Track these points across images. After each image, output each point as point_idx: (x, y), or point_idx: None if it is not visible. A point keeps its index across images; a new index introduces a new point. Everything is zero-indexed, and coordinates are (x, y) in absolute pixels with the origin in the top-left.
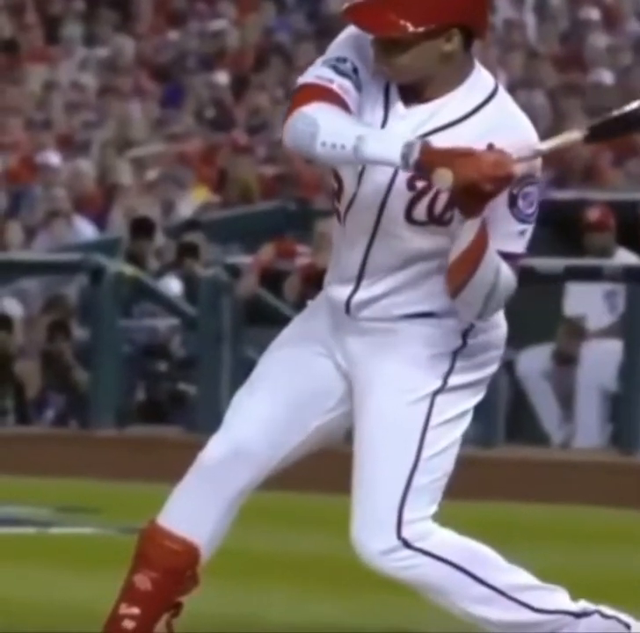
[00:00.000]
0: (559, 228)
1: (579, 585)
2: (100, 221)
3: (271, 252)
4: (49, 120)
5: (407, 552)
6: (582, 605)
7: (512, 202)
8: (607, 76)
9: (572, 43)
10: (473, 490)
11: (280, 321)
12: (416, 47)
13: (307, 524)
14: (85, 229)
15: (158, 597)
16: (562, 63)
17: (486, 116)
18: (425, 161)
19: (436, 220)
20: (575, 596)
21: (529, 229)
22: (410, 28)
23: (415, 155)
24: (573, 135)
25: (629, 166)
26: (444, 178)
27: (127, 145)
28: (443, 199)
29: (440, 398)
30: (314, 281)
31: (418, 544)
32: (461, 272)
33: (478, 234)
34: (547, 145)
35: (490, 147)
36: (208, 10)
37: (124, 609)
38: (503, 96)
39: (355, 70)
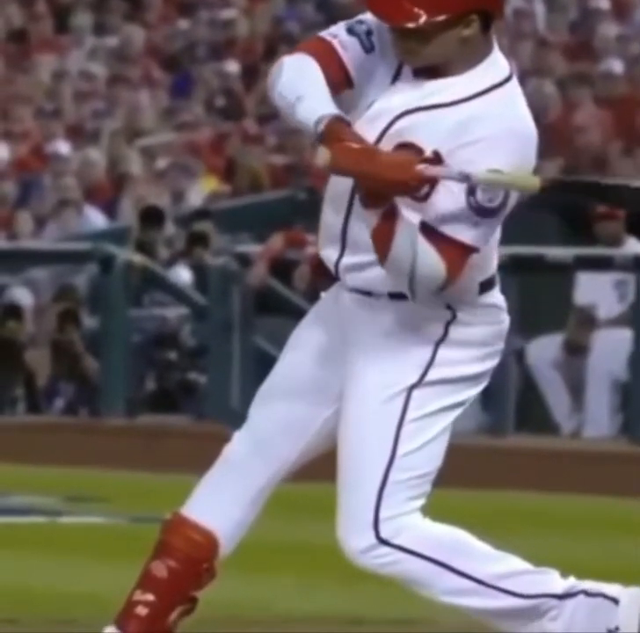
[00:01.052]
0: (569, 217)
1: (588, 574)
2: (110, 210)
3: (280, 242)
4: (59, 109)
5: (385, 549)
6: (568, 584)
7: (471, 191)
8: (616, 65)
9: (582, 32)
10: (483, 478)
11: (290, 310)
12: (434, 35)
13: (316, 513)
14: (95, 219)
15: (174, 586)
16: (571, 52)
17: (484, 103)
18: (324, 135)
19: (417, 197)
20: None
21: (485, 225)
22: (427, 18)
23: (321, 127)
24: (529, 182)
25: (639, 155)
26: (322, 156)
27: (136, 134)
28: None
29: (417, 393)
30: (323, 271)
31: (395, 541)
32: (377, 251)
33: (380, 223)
34: (485, 176)
35: (409, 147)
36: (218, 0)
37: (138, 596)
38: (511, 87)
39: (369, 33)
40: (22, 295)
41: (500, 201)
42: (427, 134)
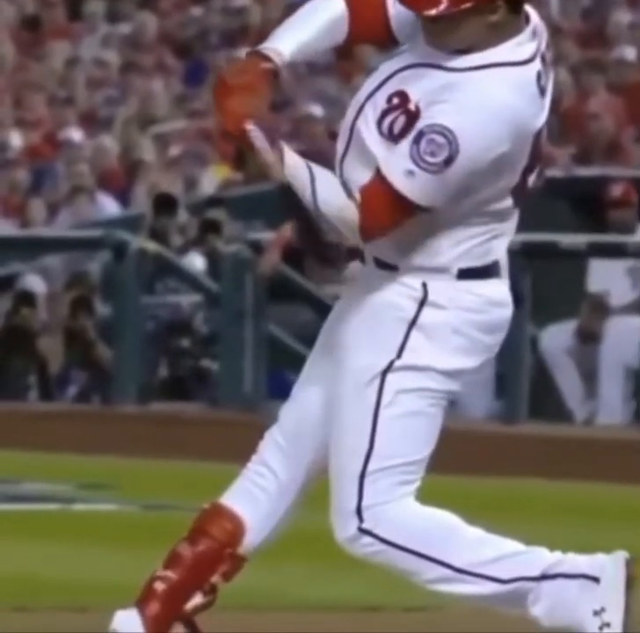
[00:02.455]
0: (582, 204)
1: None
2: (123, 197)
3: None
4: (72, 96)
5: (368, 539)
6: (547, 564)
7: (417, 139)
8: (629, 53)
9: (595, 19)
10: (495, 466)
11: (302, 297)
12: (460, 22)
13: (328, 500)
14: (108, 206)
15: (194, 566)
16: (585, 39)
17: (475, 75)
18: (246, 55)
19: (393, 138)
20: None
21: (421, 176)
22: (450, 5)
23: (256, 51)
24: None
25: None
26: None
27: (149, 121)
28: (401, 121)
29: (390, 377)
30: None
31: (376, 531)
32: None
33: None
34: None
35: (400, 95)
36: None
37: (160, 572)
38: (515, 70)
39: None
40: (35, 283)
41: (442, 160)
42: (417, 87)
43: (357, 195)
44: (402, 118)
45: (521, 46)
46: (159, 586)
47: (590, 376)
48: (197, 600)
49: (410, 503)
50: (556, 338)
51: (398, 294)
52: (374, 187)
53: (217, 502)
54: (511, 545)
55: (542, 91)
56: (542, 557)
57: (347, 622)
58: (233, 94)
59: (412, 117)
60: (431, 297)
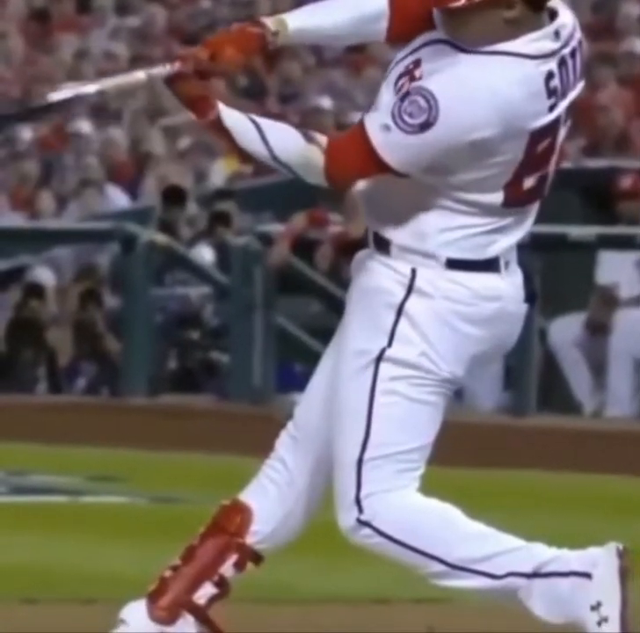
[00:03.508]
0: (591, 196)
1: None
2: (132, 189)
3: (303, 221)
4: None
5: (367, 530)
6: (539, 562)
7: (402, 97)
8: (639, 45)
9: (605, 12)
10: (504, 458)
11: (312, 290)
12: (475, 16)
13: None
14: (117, 198)
15: (201, 554)
16: (594, 32)
17: (480, 58)
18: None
19: None
20: None
21: (395, 133)
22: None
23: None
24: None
25: None
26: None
27: (158, 113)
28: (407, 85)
29: (384, 365)
30: (346, 250)
31: (374, 523)
32: None
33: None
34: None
35: (416, 64)
36: None
37: (172, 562)
38: (517, 62)
39: None
40: (44, 275)
41: (419, 123)
42: (431, 59)
43: (322, 139)
44: (408, 82)
45: (536, 42)
46: (167, 573)
47: (599, 368)
48: (206, 590)
49: (410, 495)
50: (565, 330)
51: (389, 279)
52: (352, 132)
53: (235, 497)
54: (509, 541)
55: (552, 93)
56: (537, 554)
57: (358, 614)
58: (205, 45)
59: (414, 81)
60: (417, 284)
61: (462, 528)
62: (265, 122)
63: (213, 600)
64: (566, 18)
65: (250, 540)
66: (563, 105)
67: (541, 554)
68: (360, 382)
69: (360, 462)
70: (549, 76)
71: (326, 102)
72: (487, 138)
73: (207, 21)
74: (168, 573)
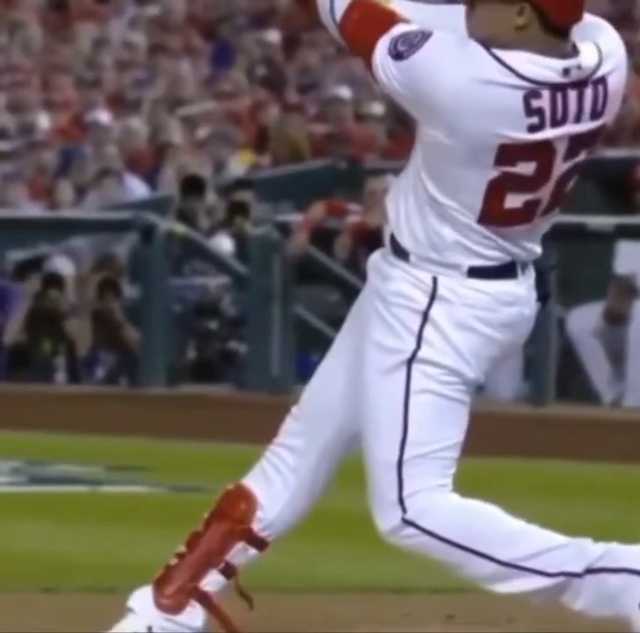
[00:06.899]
0: (610, 185)
1: (631, 542)
2: (151, 179)
3: (321, 211)
4: (99, 78)
5: (411, 530)
6: (591, 560)
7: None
8: None
9: (622, 2)
10: (523, 448)
11: (330, 279)
12: (486, 15)
13: (358, 479)
14: (136, 188)
15: (205, 541)
16: (611, 23)
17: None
18: None
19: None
20: None
21: (385, 44)
22: None
23: None
24: None
25: None
26: None
27: (177, 103)
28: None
29: (416, 366)
30: (364, 240)
31: (420, 523)
32: None
33: None
34: None
35: None
36: None
37: (177, 549)
38: (499, 68)
39: None
40: (63, 265)
41: (397, 51)
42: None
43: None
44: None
45: (532, 64)
46: (172, 561)
47: (617, 358)
48: (213, 577)
49: (452, 494)
50: (584, 319)
51: (410, 286)
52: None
53: (238, 482)
54: (555, 538)
55: (534, 112)
56: (587, 551)
57: (376, 603)
58: None
59: None
60: (440, 292)
61: (508, 526)
62: None
63: (218, 587)
64: (590, 60)
65: (255, 527)
66: (555, 133)
67: (592, 552)
68: (392, 383)
69: (400, 462)
70: (533, 94)
71: (345, 91)
72: (448, 106)
73: (225, 10)
74: (174, 561)
